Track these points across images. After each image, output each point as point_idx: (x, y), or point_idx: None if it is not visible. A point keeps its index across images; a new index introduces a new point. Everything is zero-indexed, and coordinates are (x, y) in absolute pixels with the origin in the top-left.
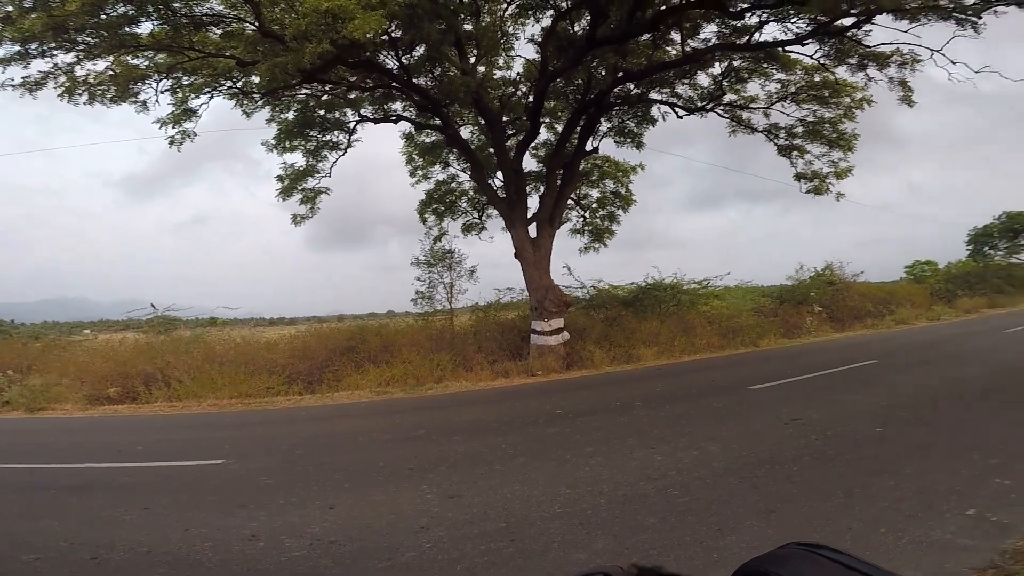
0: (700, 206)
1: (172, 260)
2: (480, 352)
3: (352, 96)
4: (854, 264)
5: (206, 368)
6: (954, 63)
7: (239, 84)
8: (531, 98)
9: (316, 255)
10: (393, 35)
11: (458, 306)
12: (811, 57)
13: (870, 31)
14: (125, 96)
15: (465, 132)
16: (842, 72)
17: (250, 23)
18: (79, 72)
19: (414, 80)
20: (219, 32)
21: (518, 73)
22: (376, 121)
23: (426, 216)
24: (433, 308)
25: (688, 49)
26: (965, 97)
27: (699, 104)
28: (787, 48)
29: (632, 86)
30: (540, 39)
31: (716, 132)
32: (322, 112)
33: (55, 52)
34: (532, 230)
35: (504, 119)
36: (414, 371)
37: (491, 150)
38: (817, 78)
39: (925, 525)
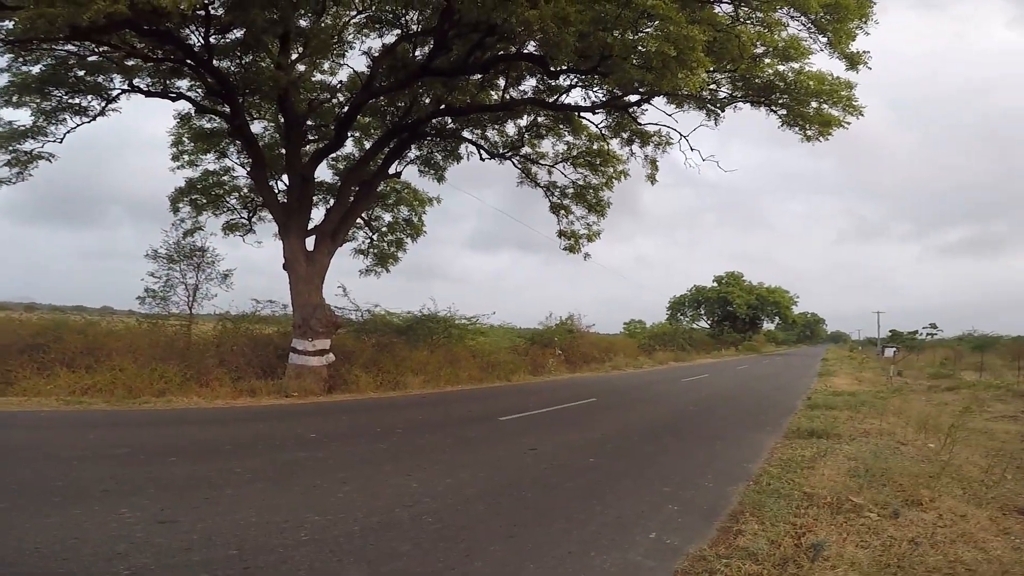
0: (481, 246)
1: None
2: (222, 366)
3: (130, 63)
4: (589, 316)
5: None
6: (692, 149)
7: None
8: (346, 109)
9: (12, 226)
10: (211, 11)
11: (201, 312)
12: (596, 126)
13: (646, 110)
14: None
15: (257, 127)
16: (615, 144)
17: None
18: None
19: (215, 62)
20: None
21: (340, 81)
22: (149, 95)
23: (180, 206)
24: (167, 311)
25: (508, 97)
26: (690, 181)
27: (501, 151)
28: (582, 114)
29: (450, 120)
30: (376, 54)
31: (508, 180)
32: (80, 73)
33: None
34: (310, 243)
35: (308, 123)
36: (127, 380)
37: (282, 151)
38: (595, 146)
39: (622, 548)
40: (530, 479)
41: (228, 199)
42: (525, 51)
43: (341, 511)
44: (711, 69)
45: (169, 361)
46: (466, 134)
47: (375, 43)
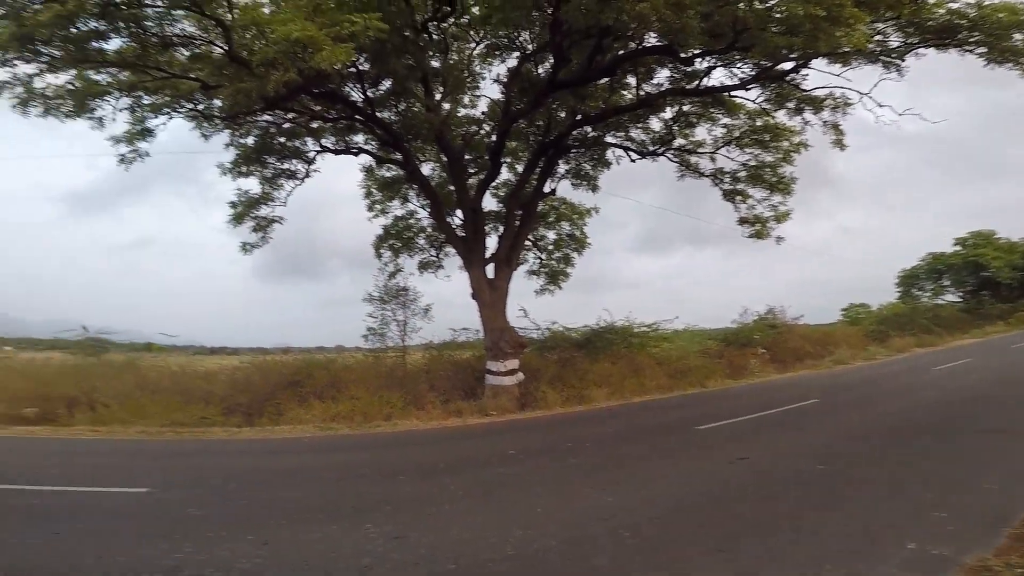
0: (649, 249)
1: (111, 282)
2: (433, 391)
3: (314, 126)
4: (793, 307)
5: (136, 394)
6: (881, 105)
7: (200, 106)
8: (494, 137)
9: (264, 285)
10: (361, 68)
11: (411, 344)
12: (753, 102)
13: (807, 76)
14: (82, 111)
15: (426, 168)
16: (781, 116)
17: (220, 46)
18: (38, 84)
19: (377, 114)
20: (187, 54)
21: (483, 112)
22: (337, 152)
23: (382, 252)
24: (385, 345)
25: (642, 93)
26: (890, 139)
27: (651, 148)
28: (732, 93)
29: (589, 129)
30: (505, 80)
31: (666, 176)
32: (282, 140)
33: (16, 62)
34: (490, 270)
35: (466, 157)
36: (362, 408)
37: (451, 188)
38: (759, 123)
39: (869, 561)
40: (740, 489)
41: (417, 240)
42: (648, 44)
43: (540, 526)
44: (870, 20)
45: (391, 389)
46: (610, 139)
47: (501, 69)
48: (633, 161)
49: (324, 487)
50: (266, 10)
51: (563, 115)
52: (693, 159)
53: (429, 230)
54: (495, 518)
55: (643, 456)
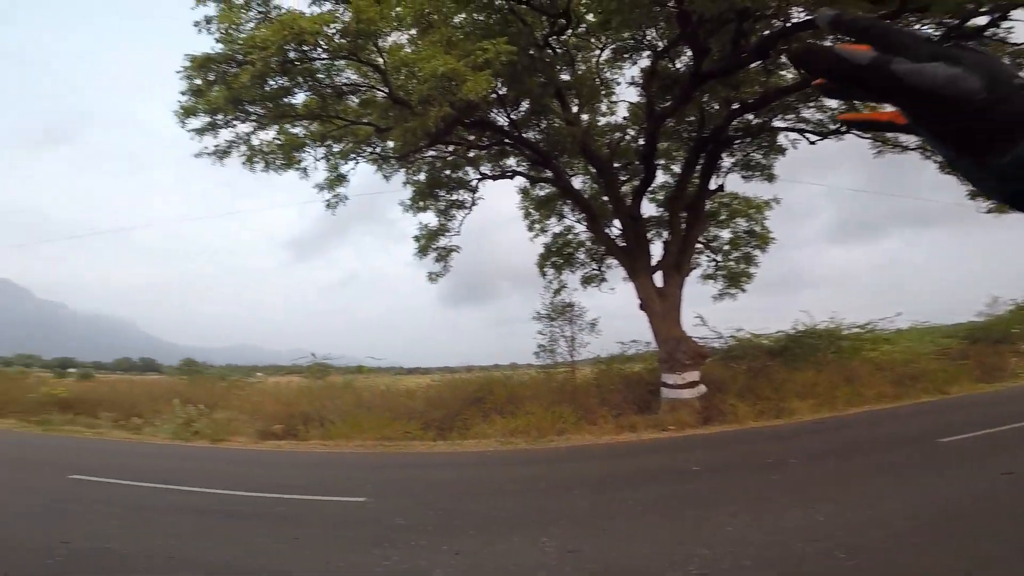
0: (850, 237)
1: (328, 314)
2: (604, 405)
3: (471, 155)
4: None
5: (354, 411)
6: None
7: (378, 149)
8: (641, 141)
9: (447, 309)
10: (500, 93)
11: (580, 359)
12: None
13: (1012, 28)
14: (291, 163)
15: (577, 182)
16: None
17: (381, 90)
18: (255, 141)
19: (523, 135)
20: (357, 101)
21: (624, 117)
22: (494, 178)
23: (545, 270)
24: (555, 361)
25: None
26: None
27: (832, 127)
28: None
29: (751, 117)
30: (641, 81)
31: (859, 154)
32: (448, 172)
33: (235, 123)
34: (658, 279)
35: (615, 165)
36: (536, 423)
37: (605, 198)
38: None
39: None
40: (1000, 508)
41: (577, 255)
42: (797, 20)
43: (731, 545)
44: None
45: (563, 404)
46: (778, 123)
47: (634, 71)
48: (812, 143)
49: (507, 499)
50: (408, 49)
51: (716, 107)
52: (890, 132)
53: (588, 244)
54: (677, 535)
55: (866, 472)
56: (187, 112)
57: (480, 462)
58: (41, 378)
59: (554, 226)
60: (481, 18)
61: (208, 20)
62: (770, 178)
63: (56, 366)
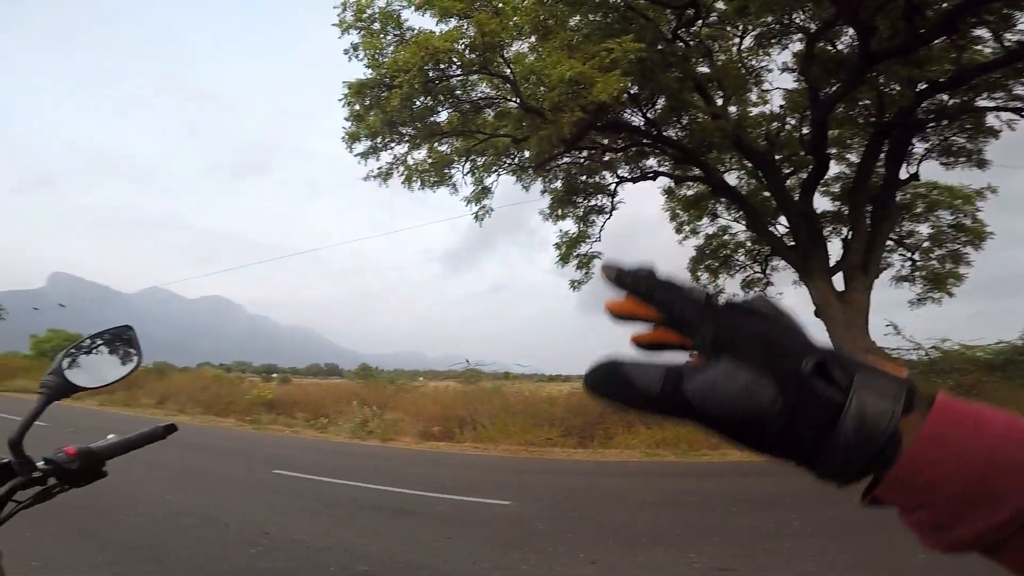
0: None
1: (480, 321)
2: None
3: (607, 158)
4: None
5: (502, 416)
6: None
7: (516, 160)
8: (806, 130)
9: (589, 316)
10: (632, 92)
11: None
12: None
13: None
14: (442, 180)
15: (732, 178)
16: None
17: (513, 101)
18: (410, 161)
19: (662, 133)
20: (492, 113)
21: (780, 106)
22: (634, 180)
23: (698, 274)
24: None
25: (1009, 43)
26: None
27: None
28: None
29: (945, 97)
30: (797, 66)
31: None
32: (584, 178)
33: (392, 144)
34: (838, 281)
35: (776, 157)
36: (687, 434)
37: (766, 193)
38: None
39: None
40: None
41: (736, 257)
42: None
43: (923, 574)
44: None
45: None
46: (984, 103)
47: (784, 56)
48: None
49: (649, 512)
50: (531, 58)
51: (897, 88)
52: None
53: (748, 244)
54: (853, 560)
55: None
56: (352, 137)
57: (622, 472)
58: (252, 382)
59: (706, 227)
60: (597, 18)
61: (355, 47)
62: (980, 164)
63: (263, 371)
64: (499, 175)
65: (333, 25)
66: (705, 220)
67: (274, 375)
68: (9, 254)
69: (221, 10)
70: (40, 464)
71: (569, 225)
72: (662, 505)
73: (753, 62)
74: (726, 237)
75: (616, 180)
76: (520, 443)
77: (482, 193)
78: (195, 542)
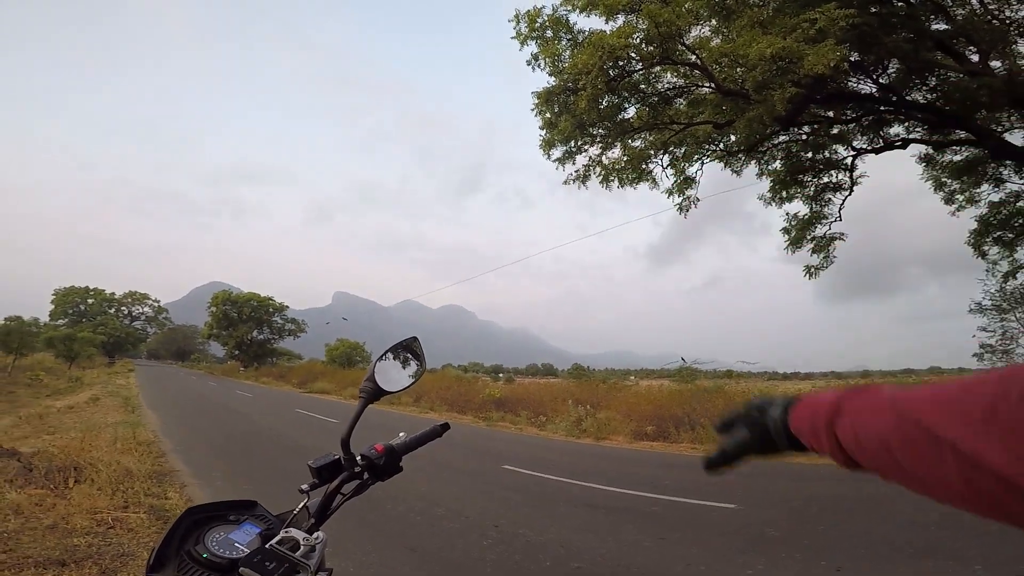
0: None
1: (693, 316)
2: None
3: (835, 131)
4: None
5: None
6: None
7: (720, 145)
8: None
9: (830, 307)
10: (853, 60)
11: None
12: None
13: None
14: (640, 176)
15: (1016, 138)
16: None
17: (706, 86)
18: (605, 161)
19: (906, 98)
20: (684, 102)
21: None
22: (876, 151)
23: (984, 249)
24: (1010, 362)
25: None
26: None
27: None
28: None
29: None
30: None
31: None
32: (809, 154)
33: (585, 147)
34: None
35: None
36: None
37: None
38: None
39: None
40: None
41: None
42: None
43: None
44: None
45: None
46: None
47: None
48: None
49: (904, 528)
50: (715, 41)
51: None
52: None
53: None
54: None
55: None
56: (547, 144)
57: (863, 479)
58: (484, 382)
59: (987, 194)
60: None
61: (535, 57)
62: None
63: (491, 371)
64: (703, 163)
65: (512, 39)
66: (985, 187)
67: (500, 375)
68: (304, 278)
69: (427, 39)
70: (359, 460)
71: (798, 207)
72: (916, 516)
73: (1009, 12)
74: (1021, 204)
75: (852, 153)
76: None
77: (685, 183)
78: (443, 532)
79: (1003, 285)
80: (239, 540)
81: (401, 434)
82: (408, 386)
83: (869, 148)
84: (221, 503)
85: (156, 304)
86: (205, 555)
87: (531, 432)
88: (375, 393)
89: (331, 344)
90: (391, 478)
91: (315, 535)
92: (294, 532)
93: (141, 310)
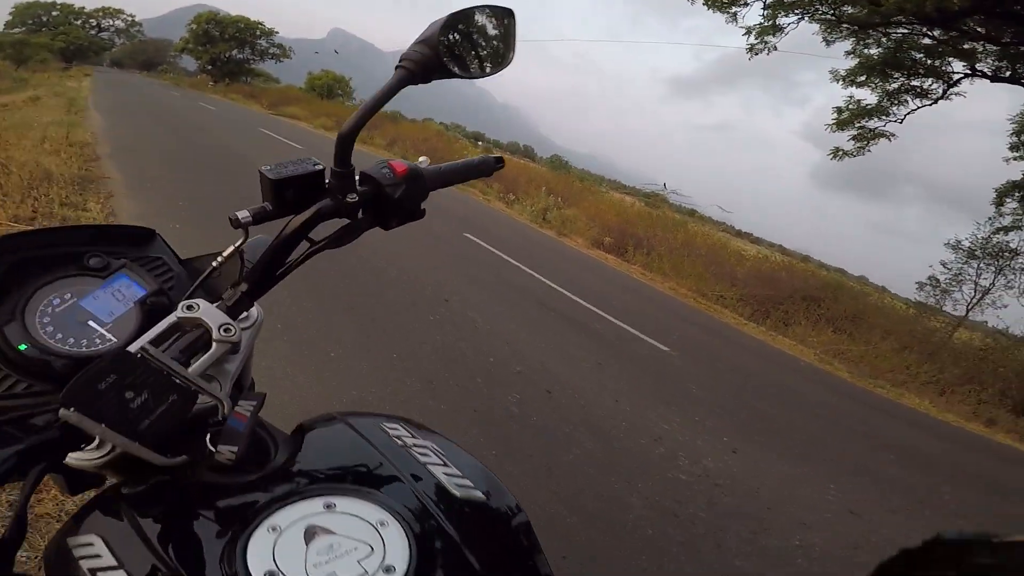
0: None
1: (689, 153)
2: (971, 383)
3: (966, 47)
4: None
5: (681, 252)
6: None
7: (835, 11)
8: None
9: (817, 190)
10: None
11: (977, 318)
12: None
13: None
14: (733, 2)
15: None
16: None
17: None
18: None
19: None
20: None
21: None
22: (995, 79)
23: (1006, 200)
24: (940, 305)
25: None
26: None
27: None
28: None
29: None
30: None
31: None
32: (918, 56)
33: None
34: None
35: None
36: (872, 358)
37: None
38: None
39: None
40: None
41: None
42: None
43: None
44: None
45: (914, 353)
46: None
47: None
48: None
49: (811, 421)
50: None
51: None
52: None
53: None
54: None
55: None
56: None
57: (789, 368)
58: (464, 144)
59: None
60: None
61: None
62: None
63: (472, 136)
64: (802, 19)
65: None
66: None
67: (480, 143)
68: (299, 3)
69: None
70: (358, 182)
71: (865, 94)
72: (830, 419)
73: None
74: None
75: (966, 73)
76: (689, 289)
77: (770, 28)
78: (391, 299)
79: (990, 236)
80: (97, 312)
81: (423, 159)
82: (487, 74)
83: (990, 75)
84: (82, 228)
85: (130, 19)
86: (24, 346)
87: (498, 207)
88: (430, 66)
89: (315, 73)
90: (403, 226)
91: (244, 315)
92: (203, 308)
93: (112, 23)
